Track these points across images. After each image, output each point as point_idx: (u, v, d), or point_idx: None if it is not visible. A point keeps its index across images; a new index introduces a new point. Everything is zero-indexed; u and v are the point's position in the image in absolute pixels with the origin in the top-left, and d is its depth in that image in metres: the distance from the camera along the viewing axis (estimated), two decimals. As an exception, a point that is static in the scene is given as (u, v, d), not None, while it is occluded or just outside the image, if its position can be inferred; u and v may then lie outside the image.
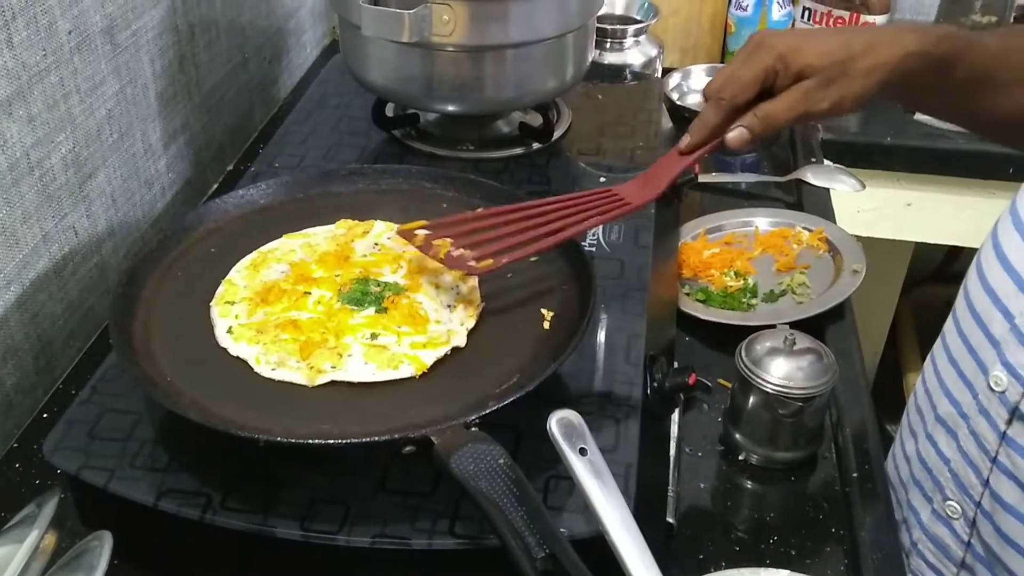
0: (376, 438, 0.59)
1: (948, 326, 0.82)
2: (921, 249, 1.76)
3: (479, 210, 0.79)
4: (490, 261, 0.72)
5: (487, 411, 0.60)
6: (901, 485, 0.86)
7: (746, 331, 0.82)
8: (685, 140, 0.76)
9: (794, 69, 0.70)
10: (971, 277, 0.79)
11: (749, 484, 0.80)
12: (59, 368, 0.88)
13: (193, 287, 0.75)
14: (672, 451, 0.80)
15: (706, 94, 0.74)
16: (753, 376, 0.77)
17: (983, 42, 0.74)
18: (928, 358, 0.85)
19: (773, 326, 0.82)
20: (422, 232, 0.75)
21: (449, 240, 0.73)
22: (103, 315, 0.94)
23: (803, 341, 0.79)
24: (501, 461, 0.55)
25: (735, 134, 0.72)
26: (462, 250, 0.73)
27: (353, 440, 0.59)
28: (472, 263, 0.72)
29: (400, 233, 0.76)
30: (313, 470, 0.65)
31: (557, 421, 0.57)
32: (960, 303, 0.80)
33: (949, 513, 0.79)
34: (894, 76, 0.70)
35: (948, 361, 0.79)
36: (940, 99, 0.77)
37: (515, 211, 0.76)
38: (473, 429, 0.59)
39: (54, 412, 0.84)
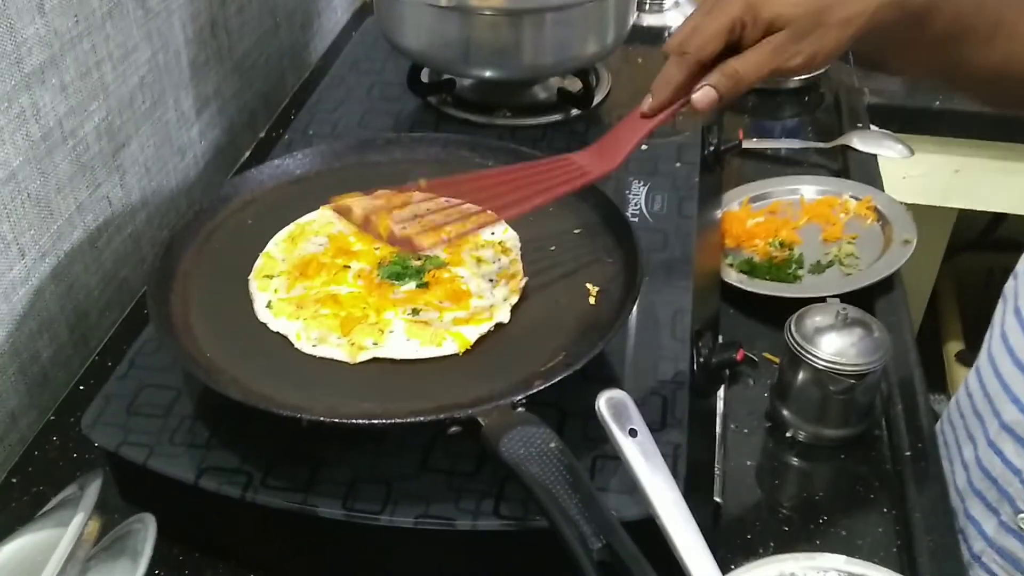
0: (422, 418, 0.57)
1: (1010, 324, 0.76)
2: (964, 216, 1.72)
3: (422, 182, 0.75)
4: (435, 237, 0.70)
5: (534, 390, 0.58)
6: (955, 492, 0.82)
7: (791, 303, 0.80)
8: (647, 101, 0.69)
9: (764, 20, 0.63)
10: None
11: (797, 462, 0.78)
12: (94, 340, 0.87)
13: (230, 260, 0.73)
14: (718, 428, 0.78)
15: (668, 49, 0.67)
16: (803, 352, 0.75)
17: None
18: (984, 356, 0.80)
19: (820, 298, 0.80)
20: (360, 209, 0.73)
21: (389, 216, 0.71)
22: (137, 286, 0.93)
23: (855, 315, 0.76)
24: (552, 445, 0.53)
25: (701, 94, 0.65)
26: (405, 226, 0.70)
27: (398, 420, 0.58)
28: (416, 240, 0.70)
29: (336, 210, 0.74)
30: (355, 448, 0.63)
31: (606, 401, 0.55)
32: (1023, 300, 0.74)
33: (1022, 526, 0.75)
34: (869, 28, 0.64)
35: (1013, 364, 0.74)
36: (918, 53, 0.70)
37: (464, 183, 0.73)
38: (520, 409, 0.57)
39: (90, 385, 0.83)
